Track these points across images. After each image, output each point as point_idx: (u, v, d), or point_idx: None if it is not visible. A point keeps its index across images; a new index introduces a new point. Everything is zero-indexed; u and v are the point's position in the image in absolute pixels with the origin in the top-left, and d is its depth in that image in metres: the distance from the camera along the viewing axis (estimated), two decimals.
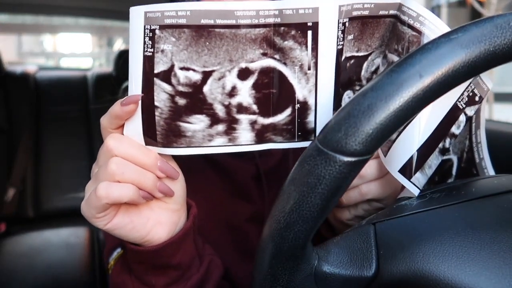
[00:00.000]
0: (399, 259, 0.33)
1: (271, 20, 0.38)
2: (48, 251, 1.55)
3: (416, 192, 0.44)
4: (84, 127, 1.89)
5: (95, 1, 1.90)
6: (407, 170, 0.43)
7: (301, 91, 0.41)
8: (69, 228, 1.70)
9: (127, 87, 0.44)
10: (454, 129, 0.44)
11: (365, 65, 0.44)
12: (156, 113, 0.39)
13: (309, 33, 0.39)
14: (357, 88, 0.45)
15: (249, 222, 0.60)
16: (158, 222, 0.43)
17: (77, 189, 1.79)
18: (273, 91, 0.41)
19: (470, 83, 0.42)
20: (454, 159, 0.49)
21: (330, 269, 0.35)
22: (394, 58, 0.44)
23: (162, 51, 0.38)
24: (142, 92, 0.39)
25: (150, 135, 0.40)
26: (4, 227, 1.73)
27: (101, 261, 1.53)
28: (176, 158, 0.45)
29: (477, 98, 0.43)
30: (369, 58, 0.44)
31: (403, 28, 0.42)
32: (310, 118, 0.42)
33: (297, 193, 0.30)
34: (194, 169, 0.59)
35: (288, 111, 0.42)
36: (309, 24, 0.38)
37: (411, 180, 0.44)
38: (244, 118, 0.41)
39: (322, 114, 0.43)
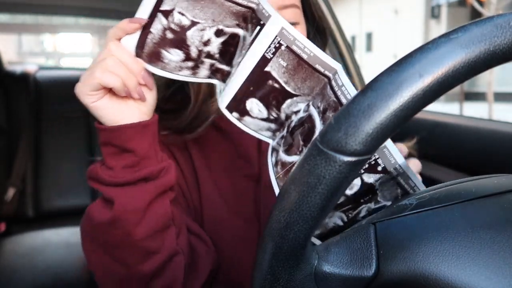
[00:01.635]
0: (399, 259, 0.33)
1: (253, 6, 0.51)
2: (48, 251, 1.55)
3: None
4: (84, 127, 1.88)
5: (95, 1, 1.90)
6: None
7: (236, 60, 0.54)
8: (69, 228, 1.70)
9: None
10: (346, 191, 0.46)
11: (288, 101, 0.52)
12: (149, 37, 0.51)
13: (257, 28, 0.50)
14: (273, 114, 0.53)
15: (245, 177, 0.71)
16: (131, 114, 0.55)
17: (77, 189, 1.79)
18: (232, 49, 0.54)
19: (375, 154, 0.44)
20: (388, 204, 0.49)
21: (330, 269, 0.35)
22: (314, 113, 0.48)
23: None
24: (147, 19, 0.50)
25: (140, 50, 0.52)
26: (4, 227, 1.73)
27: None
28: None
29: (379, 168, 0.46)
30: (295, 98, 0.51)
31: (329, 92, 0.47)
32: (227, 81, 0.54)
33: (297, 192, 0.30)
34: (205, 137, 0.70)
35: (230, 67, 0.55)
36: (262, 22, 0.49)
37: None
38: (208, 61, 0.54)
39: (228, 89, 0.53)
